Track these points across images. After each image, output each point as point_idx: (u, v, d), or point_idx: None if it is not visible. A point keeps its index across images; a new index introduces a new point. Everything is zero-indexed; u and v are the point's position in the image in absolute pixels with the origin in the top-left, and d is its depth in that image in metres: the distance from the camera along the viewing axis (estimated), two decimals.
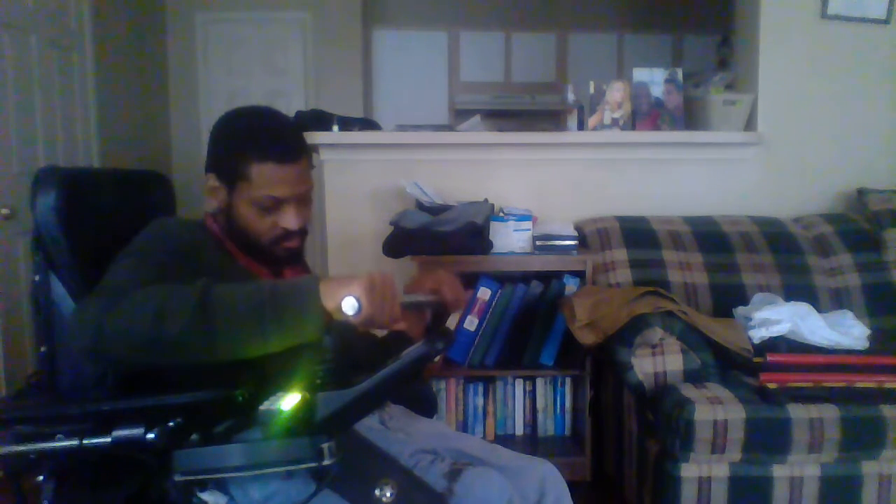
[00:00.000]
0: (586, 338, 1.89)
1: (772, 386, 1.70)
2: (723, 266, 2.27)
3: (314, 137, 2.40)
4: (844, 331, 1.91)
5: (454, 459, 1.19)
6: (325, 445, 0.92)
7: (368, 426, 1.21)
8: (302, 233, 1.22)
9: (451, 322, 1.62)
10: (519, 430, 2.37)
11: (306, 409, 0.94)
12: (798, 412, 1.61)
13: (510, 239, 2.23)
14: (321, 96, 4.81)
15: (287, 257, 1.22)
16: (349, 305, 0.94)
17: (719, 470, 1.65)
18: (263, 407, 0.96)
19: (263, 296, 0.94)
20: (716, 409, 1.60)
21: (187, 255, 1.11)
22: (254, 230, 1.18)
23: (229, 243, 1.21)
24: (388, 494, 1.02)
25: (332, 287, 0.94)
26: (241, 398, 0.99)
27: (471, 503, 1.08)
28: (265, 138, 1.17)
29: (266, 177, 1.14)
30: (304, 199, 1.21)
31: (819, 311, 1.98)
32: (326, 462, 0.92)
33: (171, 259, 1.08)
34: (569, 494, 1.23)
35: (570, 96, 2.61)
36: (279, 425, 0.94)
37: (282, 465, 0.94)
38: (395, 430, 1.24)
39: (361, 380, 0.96)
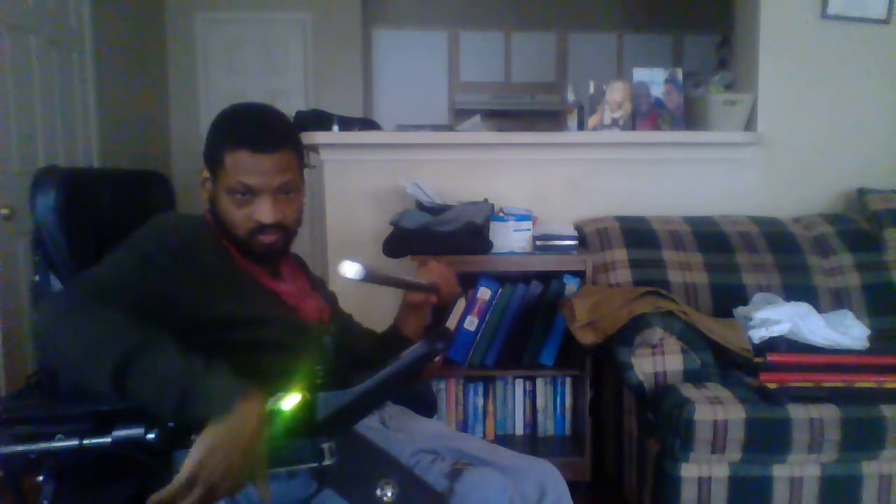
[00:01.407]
0: (586, 338, 1.89)
1: (772, 386, 1.70)
2: (723, 266, 2.27)
3: (314, 137, 2.40)
4: (844, 331, 1.91)
5: (455, 459, 1.19)
6: (325, 445, 0.92)
7: (369, 426, 1.20)
8: (281, 229, 1.18)
9: (451, 322, 1.62)
10: (519, 430, 2.37)
11: (307, 409, 0.94)
12: (798, 412, 1.61)
13: (510, 239, 2.23)
14: (321, 96, 4.82)
15: (264, 253, 1.19)
16: (350, 269, 0.93)
17: (719, 470, 1.65)
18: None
19: (180, 387, 0.92)
20: (716, 409, 1.60)
21: (185, 253, 1.11)
22: (230, 221, 1.16)
23: (226, 241, 1.20)
24: (389, 494, 1.02)
25: (242, 412, 0.91)
26: None
27: (472, 503, 1.08)
28: (240, 125, 1.16)
29: (238, 164, 1.13)
30: (283, 194, 1.17)
31: (819, 311, 1.98)
32: (327, 462, 0.92)
33: (166, 258, 1.08)
34: (569, 494, 1.23)
35: (570, 96, 2.61)
36: (280, 425, 0.94)
37: (283, 465, 0.94)
38: (395, 430, 1.24)
39: (361, 380, 0.96)
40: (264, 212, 1.15)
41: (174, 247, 1.11)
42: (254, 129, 1.16)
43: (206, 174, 1.20)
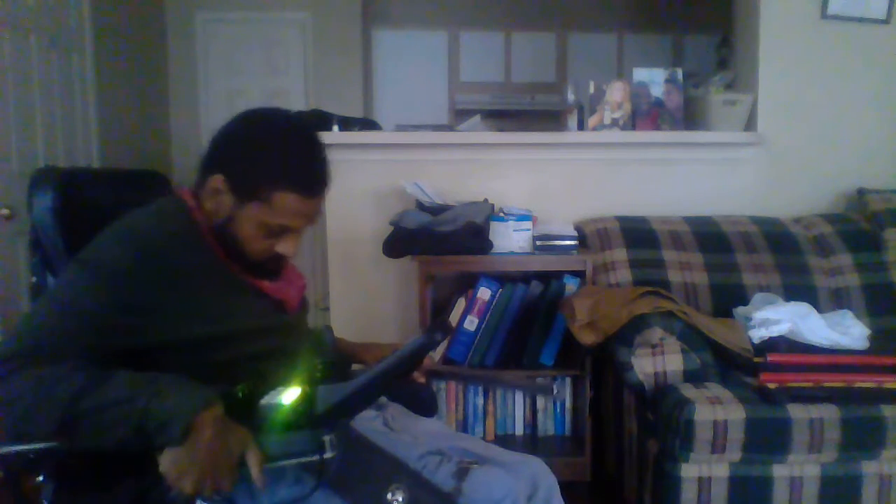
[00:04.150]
0: (586, 338, 1.89)
1: (772, 386, 1.70)
2: (723, 266, 2.27)
3: None
4: (844, 331, 1.91)
5: (460, 458, 1.19)
6: (326, 438, 0.92)
7: (373, 429, 1.21)
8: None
9: (451, 321, 1.62)
10: (519, 430, 2.37)
11: (307, 402, 0.94)
12: (798, 412, 1.61)
13: (510, 239, 2.23)
14: (321, 96, 4.81)
15: (266, 275, 1.17)
16: None
17: (719, 470, 1.65)
18: (264, 401, 0.96)
19: (133, 418, 0.90)
20: (716, 409, 1.60)
21: (159, 271, 1.03)
22: (248, 248, 1.11)
23: (212, 240, 1.12)
24: (400, 499, 1.02)
25: (196, 435, 0.90)
26: (241, 394, 0.99)
27: (479, 502, 1.08)
28: (300, 167, 1.10)
29: (287, 206, 1.07)
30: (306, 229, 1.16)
31: (819, 311, 1.98)
32: (328, 455, 0.92)
33: (136, 281, 1.01)
34: (558, 490, 1.23)
35: (570, 96, 2.61)
36: (280, 419, 0.94)
37: (284, 459, 0.94)
38: (399, 432, 1.24)
39: (361, 372, 0.96)
40: (290, 247, 1.13)
41: (145, 267, 1.02)
42: (311, 173, 1.12)
43: (222, 187, 1.08)
